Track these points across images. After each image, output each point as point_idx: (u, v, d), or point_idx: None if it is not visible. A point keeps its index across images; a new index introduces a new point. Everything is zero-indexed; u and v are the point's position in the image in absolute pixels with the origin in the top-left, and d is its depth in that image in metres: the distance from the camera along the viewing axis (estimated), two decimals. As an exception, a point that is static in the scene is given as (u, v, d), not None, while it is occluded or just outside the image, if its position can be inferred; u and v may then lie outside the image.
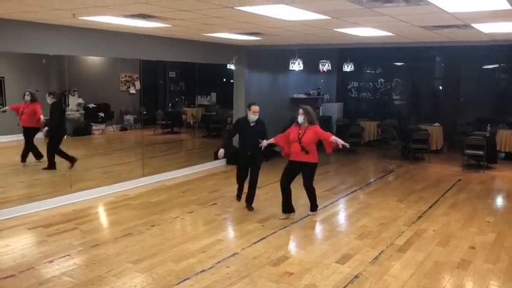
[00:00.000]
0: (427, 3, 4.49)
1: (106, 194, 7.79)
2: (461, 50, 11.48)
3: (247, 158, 6.98)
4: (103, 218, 6.95)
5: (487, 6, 4.63)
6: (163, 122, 14.12)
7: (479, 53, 11.91)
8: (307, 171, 6.68)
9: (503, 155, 11.47)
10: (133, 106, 13.89)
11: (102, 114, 12.83)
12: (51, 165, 8.64)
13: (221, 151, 7.05)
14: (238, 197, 7.42)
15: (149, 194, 8.01)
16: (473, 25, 6.16)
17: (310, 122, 6.53)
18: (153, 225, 6.28)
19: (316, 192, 8.40)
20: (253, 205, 7.10)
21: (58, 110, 8.77)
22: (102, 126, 12.86)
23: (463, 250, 5.59)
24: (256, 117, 6.88)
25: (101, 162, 10.26)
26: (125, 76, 13.58)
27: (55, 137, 8.70)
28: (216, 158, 10.61)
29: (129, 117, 13.86)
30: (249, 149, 6.96)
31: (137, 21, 6.34)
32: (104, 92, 12.90)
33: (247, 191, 7.15)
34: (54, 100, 8.69)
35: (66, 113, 10.99)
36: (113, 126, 13.34)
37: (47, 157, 8.64)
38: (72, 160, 8.71)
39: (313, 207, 6.94)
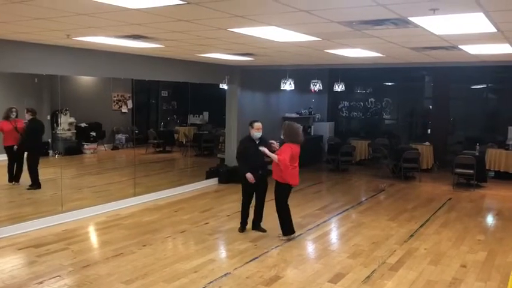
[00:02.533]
0: (415, 26, 4.61)
1: (97, 214, 7.73)
2: (450, 71, 11.69)
3: (257, 178, 6.67)
4: (94, 238, 6.89)
5: (473, 29, 4.76)
6: (156, 141, 14.12)
7: (467, 74, 12.13)
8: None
9: (493, 173, 11.59)
10: (125, 125, 13.91)
11: (93, 134, 12.82)
12: (35, 184, 8.58)
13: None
14: (243, 228, 6.96)
15: (141, 213, 7.97)
16: (461, 47, 6.31)
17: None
18: (144, 245, 6.24)
19: (310, 211, 8.45)
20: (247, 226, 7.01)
21: (34, 127, 8.69)
22: (94, 145, 12.84)
23: (455, 269, 5.61)
24: (260, 134, 6.74)
25: (92, 182, 10.21)
26: (117, 95, 13.63)
27: (30, 155, 8.58)
28: (208, 177, 10.68)
29: (121, 136, 13.86)
30: (259, 167, 6.73)
31: (130, 41, 6.41)
32: (95, 111, 12.93)
33: (254, 214, 6.94)
34: (31, 117, 8.66)
35: (57, 132, 10.98)
36: (105, 145, 13.32)
37: (30, 176, 8.56)
38: (36, 185, 8.61)
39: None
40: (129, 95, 13.44)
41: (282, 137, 6.47)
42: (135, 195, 8.72)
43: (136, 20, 4.75)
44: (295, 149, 6.34)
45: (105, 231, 6.96)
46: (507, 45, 6.07)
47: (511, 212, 8.51)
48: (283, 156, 6.20)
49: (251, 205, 6.95)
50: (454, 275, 5.41)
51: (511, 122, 12.27)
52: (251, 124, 6.75)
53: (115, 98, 13.65)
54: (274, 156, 6.28)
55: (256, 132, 6.71)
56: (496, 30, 4.80)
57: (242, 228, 6.95)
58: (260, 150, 6.51)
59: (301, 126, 6.68)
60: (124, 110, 13.83)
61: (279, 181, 6.40)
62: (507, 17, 4.15)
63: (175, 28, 5.19)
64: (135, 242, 6.35)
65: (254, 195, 6.90)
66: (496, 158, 11.49)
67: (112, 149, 13.64)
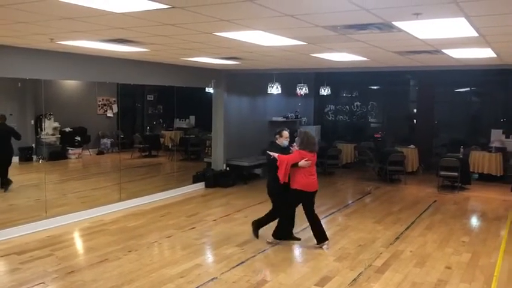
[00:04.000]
0: (399, 30, 4.66)
1: (82, 219, 7.65)
2: (434, 74, 11.83)
3: (283, 187, 6.39)
4: (79, 244, 6.81)
5: (455, 33, 4.83)
6: (141, 146, 14.03)
7: (451, 77, 12.28)
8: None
9: (477, 175, 11.74)
10: (110, 130, 13.79)
11: (78, 138, 12.69)
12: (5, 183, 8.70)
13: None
14: (290, 235, 6.74)
15: (126, 218, 7.90)
16: (444, 51, 6.39)
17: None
18: (130, 251, 6.19)
19: (296, 214, 8.44)
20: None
21: (1, 132, 8.75)
22: (79, 150, 12.71)
23: (440, 270, 5.67)
24: (287, 142, 6.62)
25: (77, 187, 10.10)
26: (102, 99, 13.52)
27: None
28: (195, 181, 10.63)
29: (106, 141, 13.74)
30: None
31: (115, 45, 6.37)
32: (80, 116, 12.79)
33: (262, 218, 6.81)
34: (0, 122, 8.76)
35: (41, 136, 10.86)
36: (90, 150, 13.19)
37: None
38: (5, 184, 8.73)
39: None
40: (114, 99, 13.33)
41: (294, 143, 6.42)
42: (120, 200, 8.64)
43: (120, 24, 4.72)
44: (308, 156, 6.24)
45: (90, 237, 6.89)
46: (489, 50, 6.17)
47: (495, 214, 8.63)
48: (285, 157, 6.24)
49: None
50: (439, 276, 5.46)
51: (494, 125, 12.46)
52: (280, 133, 6.62)
53: (100, 102, 13.53)
54: (275, 155, 6.28)
55: (285, 141, 6.60)
56: (477, 35, 4.87)
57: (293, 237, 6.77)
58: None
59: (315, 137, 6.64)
60: (109, 114, 13.72)
61: (293, 187, 6.31)
62: (488, 22, 4.22)
63: (160, 32, 5.17)
64: (121, 248, 6.29)
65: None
66: (480, 160, 11.65)
67: (97, 154, 13.51)
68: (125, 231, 7.11)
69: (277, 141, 6.61)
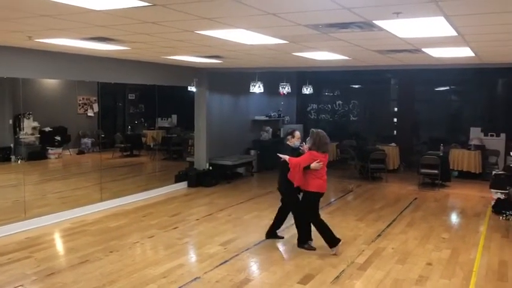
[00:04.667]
0: (380, 29, 4.70)
1: (62, 220, 7.53)
2: (414, 73, 11.98)
3: (298, 190, 6.29)
4: (59, 245, 6.70)
5: (435, 32, 4.89)
6: (123, 145, 13.88)
7: (431, 76, 12.45)
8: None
9: (456, 173, 11.92)
10: (91, 129, 13.61)
11: (58, 138, 12.50)
12: None
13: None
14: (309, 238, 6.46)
15: (108, 219, 7.81)
16: (424, 50, 6.47)
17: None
18: (111, 251, 6.12)
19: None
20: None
21: None
22: (59, 150, 12.52)
23: (421, 267, 5.74)
24: (299, 143, 6.46)
25: (57, 187, 9.95)
26: (83, 99, 13.33)
27: None
28: (177, 181, 10.57)
29: (87, 141, 13.55)
30: None
31: (95, 43, 6.28)
32: (60, 115, 12.61)
33: (274, 223, 6.75)
34: None
35: (20, 136, 10.66)
36: (70, 149, 13.00)
37: None
38: None
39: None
40: (95, 98, 13.16)
41: (306, 143, 6.21)
42: (101, 200, 8.54)
43: (100, 22, 4.65)
44: (319, 157, 6.02)
45: (71, 237, 6.79)
46: (467, 49, 6.27)
47: (474, 210, 8.78)
48: (296, 160, 6.03)
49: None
50: (420, 273, 5.53)
51: (473, 123, 12.68)
52: (292, 133, 6.43)
53: (80, 102, 13.34)
54: (286, 157, 6.08)
55: (297, 142, 6.40)
56: (456, 34, 4.95)
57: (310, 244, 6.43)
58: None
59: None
60: (90, 113, 13.54)
61: (304, 189, 6.14)
62: (466, 21, 4.28)
63: (141, 30, 5.12)
64: (102, 248, 6.22)
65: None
66: (459, 158, 11.84)
67: (78, 154, 13.32)
68: (107, 232, 7.03)
69: (288, 142, 6.40)
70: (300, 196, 6.32)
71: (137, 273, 5.36)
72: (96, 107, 13.27)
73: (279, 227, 6.80)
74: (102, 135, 13.09)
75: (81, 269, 5.47)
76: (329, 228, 6.18)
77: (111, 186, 9.69)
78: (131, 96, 15.08)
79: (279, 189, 6.62)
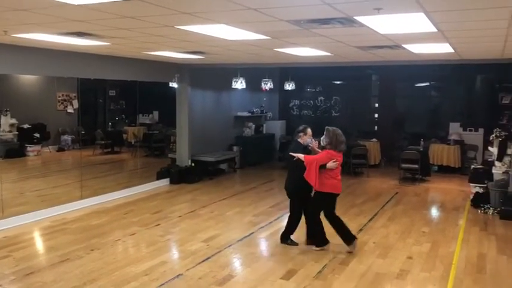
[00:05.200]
0: (361, 25, 4.72)
1: (42, 219, 7.41)
2: (395, 69, 12.07)
3: (306, 188, 6.03)
4: (38, 244, 6.59)
5: (415, 28, 4.93)
6: (103, 142, 13.70)
7: (412, 72, 12.57)
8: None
9: (436, 167, 12.09)
10: (71, 126, 13.40)
11: (37, 135, 12.26)
12: None
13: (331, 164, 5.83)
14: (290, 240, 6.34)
15: (88, 216, 7.71)
16: (404, 46, 6.52)
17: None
18: (92, 249, 6.04)
19: (263, 209, 8.46)
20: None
21: None
22: (38, 147, 12.28)
23: (402, 261, 5.81)
24: (310, 140, 6.20)
25: (36, 185, 9.78)
26: (62, 95, 13.11)
27: None
28: (159, 178, 10.49)
29: (67, 138, 13.34)
30: None
31: (74, 39, 6.17)
32: (39, 112, 12.37)
33: (286, 229, 6.39)
34: None
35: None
36: (49, 147, 12.78)
37: None
38: None
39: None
40: (74, 94, 12.94)
41: (322, 143, 5.96)
42: (82, 198, 8.43)
43: (78, 17, 4.57)
44: (336, 156, 5.81)
45: (50, 236, 6.68)
46: (447, 45, 6.34)
47: (453, 204, 8.92)
48: (312, 158, 5.79)
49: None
50: (401, 266, 5.60)
51: (452, 118, 12.87)
52: (304, 130, 6.12)
53: (60, 98, 13.11)
54: (301, 156, 5.81)
55: (309, 139, 6.16)
56: (436, 30, 4.99)
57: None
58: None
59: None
60: (70, 110, 13.32)
61: (321, 190, 5.86)
62: (446, 17, 4.33)
63: (120, 25, 5.04)
64: (83, 247, 6.14)
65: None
66: (439, 152, 12.02)
67: (57, 151, 13.09)
68: (87, 230, 6.94)
69: (299, 140, 6.10)
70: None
71: (119, 271, 5.31)
72: (76, 103, 13.06)
73: (292, 232, 6.36)
74: (83, 132, 12.90)
75: (61, 268, 5.39)
76: (323, 231, 6.07)
77: (91, 183, 9.56)
78: (112, 93, 14.88)
79: (286, 188, 6.32)
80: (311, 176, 5.73)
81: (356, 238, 6.15)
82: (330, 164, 5.74)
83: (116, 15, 4.42)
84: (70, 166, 12.23)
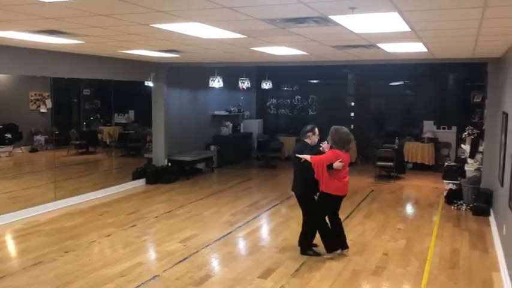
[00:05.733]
0: (335, 24, 4.75)
1: (13, 221, 7.24)
2: (370, 69, 12.22)
3: (314, 189, 5.84)
4: (10, 247, 6.43)
5: (389, 28, 4.99)
6: (78, 142, 13.45)
7: (386, 72, 12.75)
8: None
9: (411, 165, 12.30)
10: (44, 126, 13.11)
11: (9, 136, 11.95)
12: None
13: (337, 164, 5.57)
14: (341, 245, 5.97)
15: (63, 218, 7.57)
16: (379, 45, 6.60)
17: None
18: (67, 252, 5.93)
19: (240, 208, 8.45)
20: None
21: None
22: (9, 148, 11.97)
23: (378, 257, 5.88)
24: (317, 139, 5.96)
25: (7, 187, 9.53)
26: (35, 94, 12.81)
27: None
28: (135, 178, 10.36)
29: (40, 138, 13.04)
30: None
31: (46, 37, 6.04)
32: (10, 112, 12.05)
33: (301, 237, 6.07)
34: None
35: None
36: (22, 147, 12.47)
37: None
38: None
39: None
40: (48, 93, 12.67)
41: (327, 143, 5.72)
42: (55, 199, 8.26)
43: (50, 14, 4.47)
44: (342, 156, 5.57)
45: (23, 239, 6.52)
46: (420, 44, 6.44)
47: (427, 201, 9.08)
48: (318, 158, 5.55)
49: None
50: (377, 263, 5.67)
51: (426, 117, 13.10)
52: (312, 130, 5.89)
53: (32, 97, 12.81)
54: (307, 157, 5.58)
55: (316, 139, 5.93)
56: (410, 30, 5.07)
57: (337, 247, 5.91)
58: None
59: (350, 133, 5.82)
60: (43, 109, 13.03)
61: (324, 190, 5.65)
62: (419, 16, 4.39)
63: (94, 23, 4.96)
64: (57, 249, 6.02)
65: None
66: (413, 150, 12.23)
67: (30, 152, 12.79)
68: (62, 232, 6.81)
69: (307, 140, 5.87)
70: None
71: (94, 273, 5.22)
72: (49, 102, 12.79)
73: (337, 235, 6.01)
74: (56, 132, 12.63)
75: (34, 271, 5.27)
76: (333, 235, 5.87)
77: (66, 184, 9.39)
78: (86, 92, 14.62)
79: (293, 191, 6.09)
80: (320, 176, 5.54)
81: (347, 248, 5.96)
82: (336, 164, 5.51)
83: (90, 13, 4.33)
84: (43, 167, 11.97)
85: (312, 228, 5.94)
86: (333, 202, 5.80)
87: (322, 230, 5.85)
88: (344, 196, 5.84)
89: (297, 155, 5.70)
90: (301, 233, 6.04)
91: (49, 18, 4.67)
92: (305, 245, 5.96)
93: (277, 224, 7.46)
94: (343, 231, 6.02)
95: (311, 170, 5.56)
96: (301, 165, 5.66)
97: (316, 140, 5.93)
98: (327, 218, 5.93)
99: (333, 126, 5.80)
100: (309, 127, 5.98)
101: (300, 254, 5.91)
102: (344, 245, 5.96)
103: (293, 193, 6.18)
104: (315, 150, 5.79)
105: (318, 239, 5.98)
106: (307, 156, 5.59)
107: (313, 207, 5.86)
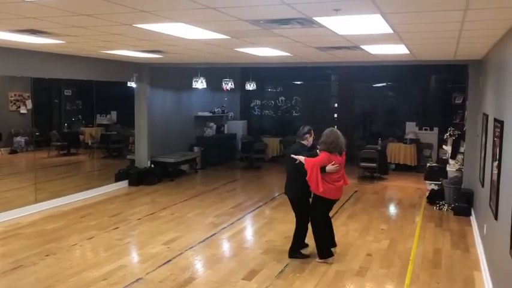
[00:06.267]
0: (320, 26, 4.76)
1: (-7, 224, 7.09)
2: (354, 70, 12.31)
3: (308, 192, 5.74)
4: (-11, 251, 6.29)
5: (372, 30, 5.02)
6: (59, 144, 13.24)
7: (370, 73, 12.84)
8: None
9: (393, 166, 12.42)
10: (24, 127, 12.87)
11: (-13, 137, 11.72)
12: None
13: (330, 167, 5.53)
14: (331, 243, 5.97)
15: (44, 221, 7.44)
16: (362, 47, 6.64)
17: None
18: (48, 255, 5.83)
19: (224, 210, 8.41)
20: None
21: None
22: (-12, 149, 11.74)
23: (361, 258, 5.91)
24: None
25: (-14, 189, 9.33)
26: (15, 95, 12.58)
27: None
28: (118, 180, 10.24)
29: (20, 139, 12.81)
30: None
31: (27, 36, 5.93)
32: (-11, 113, 11.83)
33: (293, 241, 5.95)
34: None
35: None
36: (1, 149, 12.23)
37: None
38: None
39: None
40: (28, 94, 12.44)
41: (318, 146, 5.70)
42: (36, 201, 8.12)
43: (30, 13, 4.38)
44: (336, 159, 5.56)
45: (3, 242, 6.39)
46: (402, 46, 6.50)
47: (410, 201, 9.17)
48: (311, 160, 5.49)
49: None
50: (360, 264, 5.70)
51: (409, 118, 13.24)
52: (309, 132, 5.89)
53: (12, 98, 12.57)
54: (301, 158, 5.52)
55: (312, 140, 5.94)
56: (392, 32, 5.11)
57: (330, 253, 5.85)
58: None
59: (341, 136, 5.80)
60: (23, 110, 12.79)
61: (316, 192, 5.57)
62: (401, 19, 4.43)
63: (75, 23, 4.88)
64: (37, 252, 5.91)
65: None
66: (396, 151, 12.35)
67: (10, 153, 12.53)
68: (43, 235, 6.69)
69: (304, 142, 5.85)
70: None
71: (75, 277, 5.14)
72: (29, 103, 12.56)
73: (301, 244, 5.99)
74: (37, 134, 12.42)
75: (14, 275, 5.17)
76: (328, 243, 5.84)
77: (47, 186, 9.23)
78: (67, 92, 14.41)
79: (286, 193, 6.03)
80: (312, 179, 5.45)
81: (335, 246, 6.00)
82: (329, 167, 5.46)
83: (71, 12, 4.26)
84: (24, 169, 11.75)
85: (302, 232, 5.87)
86: (326, 205, 5.74)
87: (319, 235, 5.73)
88: (335, 200, 5.77)
89: (292, 155, 5.62)
90: (293, 236, 5.94)
91: (29, 17, 4.59)
92: (293, 249, 5.88)
93: (262, 225, 7.45)
94: (332, 229, 6.04)
95: (304, 172, 5.48)
96: (296, 166, 5.59)
97: (312, 142, 5.92)
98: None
99: (328, 129, 5.79)
100: (306, 129, 5.94)
101: (288, 257, 5.83)
102: (333, 243, 5.99)
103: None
104: (312, 151, 5.74)
105: (310, 237, 5.96)
106: (301, 158, 5.52)
107: (308, 210, 5.79)
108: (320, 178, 5.43)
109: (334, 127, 5.92)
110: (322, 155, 5.54)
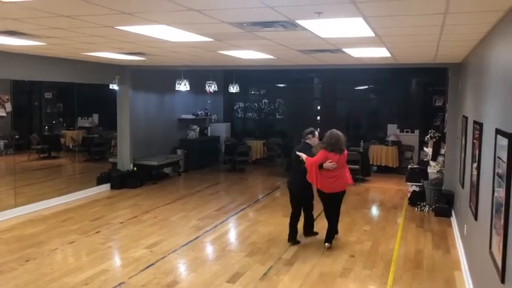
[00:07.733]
0: (302, 29, 4.79)
1: (-30, 229, 6.94)
2: (336, 73, 12.41)
3: (309, 188, 6.48)
4: (-33, 257, 6.15)
5: (354, 33, 5.07)
6: (39, 147, 13.04)
7: (352, 76, 12.96)
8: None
9: (375, 168, 12.54)
10: (3, 130, 12.64)
11: (-35, 140, 11.48)
12: None
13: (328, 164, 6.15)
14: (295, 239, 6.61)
15: (23, 225, 7.31)
16: (344, 50, 6.70)
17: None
18: (27, 260, 5.73)
19: (208, 213, 8.39)
20: None
21: None
22: (-34, 153, 11.50)
23: (344, 259, 5.95)
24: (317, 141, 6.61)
25: (-36, 194, 9.13)
26: (-7, 97, 12.37)
27: None
28: (100, 183, 10.13)
29: (-1, 143, 12.60)
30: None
31: (6, 38, 5.83)
32: (-33, 115, 11.58)
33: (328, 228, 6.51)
34: None
35: None
36: (-21, 152, 12.00)
37: None
38: None
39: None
40: (7, 97, 12.20)
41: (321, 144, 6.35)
42: (15, 206, 7.98)
43: (9, 14, 4.31)
44: (332, 158, 6.11)
45: (-20, 248, 6.26)
46: (384, 49, 6.58)
47: (392, 203, 9.27)
48: (311, 159, 6.11)
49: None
50: (344, 265, 5.74)
51: (390, 120, 13.40)
52: (312, 133, 6.55)
53: (-10, 101, 12.36)
54: (303, 155, 6.18)
55: (316, 140, 6.59)
56: (374, 35, 5.16)
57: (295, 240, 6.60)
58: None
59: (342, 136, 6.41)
60: (2, 113, 12.54)
61: (316, 188, 6.30)
62: (383, 22, 4.48)
63: (55, 24, 4.82)
64: (17, 258, 5.80)
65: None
66: (378, 153, 12.48)
67: (-12, 157, 12.33)
68: (22, 239, 6.57)
69: (308, 141, 6.49)
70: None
71: (56, 282, 5.06)
72: (9, 106, 12.32)
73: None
74: (17, 137, 12.21)
75: (-8, 281, 5.07)
76: (296, 229, 6.60)
77: (26, 190, 9.08)
78: (48, 95, 14.21)
79: (289, 188, 6.64)
80: (312, 176, 6.11)
81: (299, 242, 6.58)
82: (326, 164, 6.08)
83: (51, 13, 4.21)
84: (3, 172, 11.53)
85: (298, 218, 6.61)
86: (325, 198, 6.30)
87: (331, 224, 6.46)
88: (335, 194, 6.28)
89: (297, 152, 6.25)
90: (304, 224, 6.77)
91: (7, 18, 4.51)
92: (308, 231, 6.76)
93: (245, 227, 7.44)
94: (312, 223, 6.84)
95: (305, 169, 6.13)
96: (301, 162, 6.18)
97: (316, 142, 6.56)
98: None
99: (329, 130, 6.42)
100: (309, 130, 6.61)
101: (304, 236, 6.72)
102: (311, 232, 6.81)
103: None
104: (316, 150, 6.35)
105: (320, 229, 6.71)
106: (303, 155, 6.16)
107: (308, 202, 6.63)
108: (318, 174, 6.07)
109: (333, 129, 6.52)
110: (319, 154, 6.15)
